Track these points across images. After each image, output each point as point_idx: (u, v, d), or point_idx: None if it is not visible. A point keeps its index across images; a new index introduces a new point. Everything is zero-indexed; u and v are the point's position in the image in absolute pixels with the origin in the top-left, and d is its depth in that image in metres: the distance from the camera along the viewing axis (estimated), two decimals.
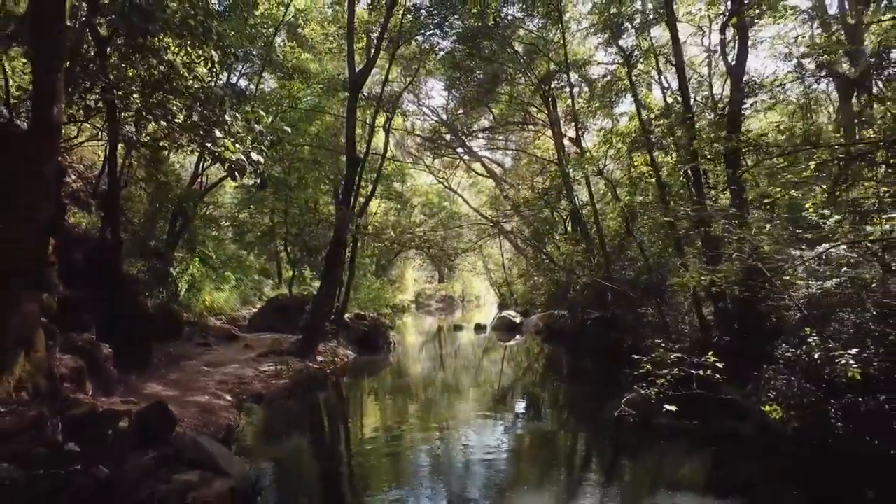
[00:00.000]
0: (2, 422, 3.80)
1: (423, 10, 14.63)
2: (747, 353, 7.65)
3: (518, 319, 23.80)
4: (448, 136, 23.48)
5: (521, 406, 10.28)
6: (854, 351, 5.68)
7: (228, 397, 8.92)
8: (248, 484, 4.91)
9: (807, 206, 6.20)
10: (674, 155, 12.17)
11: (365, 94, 17.02)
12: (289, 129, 9.47)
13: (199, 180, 16.86)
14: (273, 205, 19.01)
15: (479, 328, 23.90)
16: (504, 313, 25.40)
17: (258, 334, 15.41)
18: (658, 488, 5.85)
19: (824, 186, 6.32)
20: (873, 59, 10.00)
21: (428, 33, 15.85)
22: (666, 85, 19.01)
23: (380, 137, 18.25)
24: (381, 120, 17.73)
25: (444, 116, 23.19)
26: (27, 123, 6.76)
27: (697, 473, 6.27)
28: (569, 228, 18.87)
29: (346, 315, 16.50)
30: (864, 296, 6.31)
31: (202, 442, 5.11)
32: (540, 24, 16.77)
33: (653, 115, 13.35)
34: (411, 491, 5.90)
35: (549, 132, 19.17)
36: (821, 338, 6.08)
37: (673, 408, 5.89)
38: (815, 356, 6.00)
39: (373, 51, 13.63)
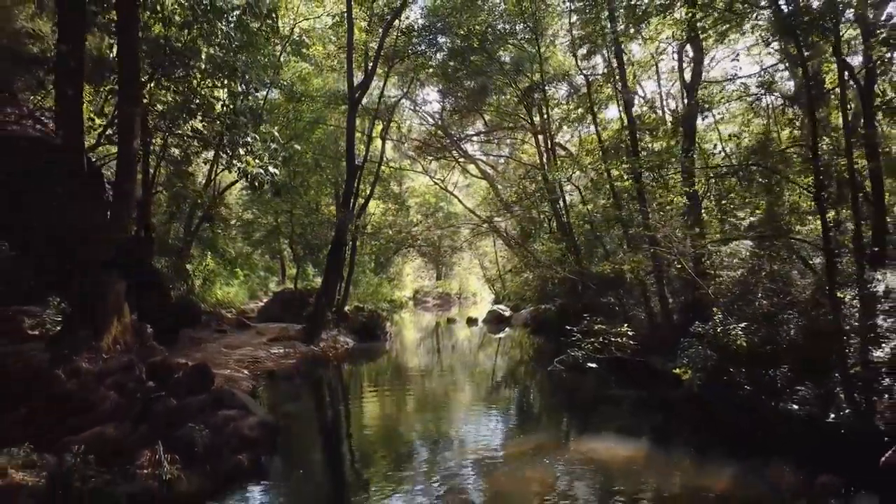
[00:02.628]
0: (108, 363, 5.41)
1: (415, 31, 16.20)
2: (679, 331, 9.26)
3: (508, 313, 25.31)
4: (445, 140, 24.98)
5: (493, 380, 11.87)
6: (743, 325, 7.26)
7: (246, 372, 10.53)
8: (271, 422, 6.51)
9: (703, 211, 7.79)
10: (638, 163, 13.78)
11: (364, 102, 18.57)
12: (298, 147, 11.05)
13: (211, 184, 18.45)
14: (278, 206, 20.56)
15: (472, 322, 25.39)
16: (494, 307, 26.88)
17: (267, 324, 16.97)
18: (596, 434, 7.47)
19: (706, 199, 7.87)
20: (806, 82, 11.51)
21: (421, 49, 17.42)
22: (642, 94, 20.67)
23: (378, 143, 19.82)
24: (378, 128, 19.29)
25: (440, 121, 24.68)
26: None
27: (625, 424, 7.88)
28: (553, 228, 20.42)
29: (347, 307, 18.10)
30: (758, 283, 7.88)
31: (236, 392, 6.73)
32: (524, 39, 18.33)
33: (622, 126, 14.90)
34: (394, 434, 7.54)
35: (534, 139, 20.76)
36: (723, 315, 7.66)
37: (594, 365, 7.50)
38: (718, 330, 7.58)
39: (370, 67, 15.20)
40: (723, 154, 13.46)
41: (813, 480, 5.46)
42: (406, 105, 23.91)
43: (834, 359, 6.96)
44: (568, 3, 15.54)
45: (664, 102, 19.07)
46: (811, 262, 9.25)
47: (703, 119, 13.95)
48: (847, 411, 6.09)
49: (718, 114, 15.70)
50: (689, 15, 8.83)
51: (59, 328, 6.30)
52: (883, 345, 7.40)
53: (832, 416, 6.14)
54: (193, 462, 5.14)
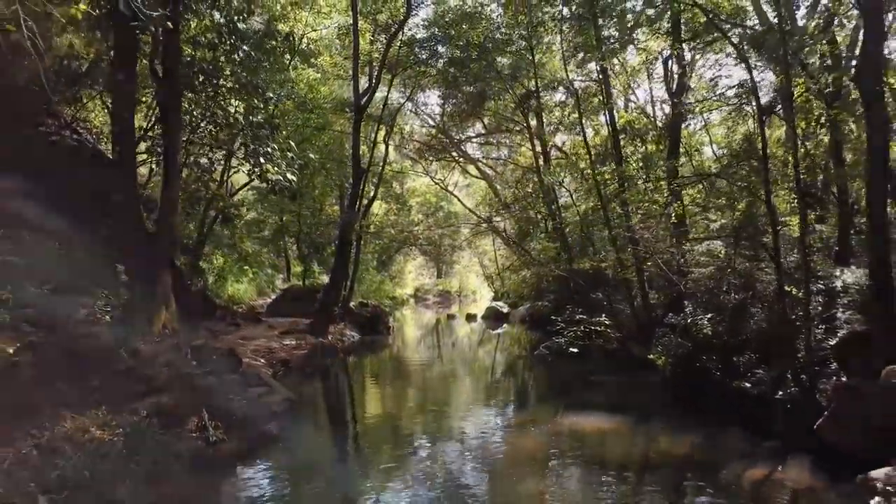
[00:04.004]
0: (160, 345, 6.36)
1: (417, 43, 17.17)
2: (658, 322, 10.20)
3: (506, 310, 26.20)
4: (445, 141, 25.89)
5: (489, 369, 12.85)
6: (708, 316, 8.18)
7: (262, 360, 11.47)
8: (294, 399, 7.47)
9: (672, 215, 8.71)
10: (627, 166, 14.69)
11: (368, 109, 19.47)
12: (313, 155, 11.97)
13: (224, 185, 19.36)
14: (285, 206, 21.42)
15: (471, 318, 26.32)
16: (493, 304, 27.78)
17: (276, 318, 17.93)
18: (581, 412, 8.40)
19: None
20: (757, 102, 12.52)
21: (422, 59, 18.35)
22: (635, 98, 21.57)
23: (381, 148, 20.75)
24: (382, 133, 20.21)
25: (441, 123, 25.55)
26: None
27: (608, 404, 8.81)
28: (549, 227, 21.33)
29: (351, 303, 19.05)
30: (723, 279, 8.81)
31: (262, 373, 7.69)
32: (520, 48, 19.25)
33: (609, 134, 15.80)
34: (398, 413, 8.51)
35: (530, 142, 21.67)
36: (693, 308, 8.59)
37: (576, 350, 8.44)
38: (688, 321, 8.51)
39: (374, 79, 16.13)
40: (713, 157, 14.36)
41: (760, 445, 6.42)
42: (408, 107, 24.81)
43: (787, 346, 7.90)
44: (561, 6, 16.47)
45: (656, 107, 20.03)
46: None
47: (693, 124, 14.92)
48: (793, 390, 7.02)
49: (707, 119, 16.67)
50: (668, 39, 9.76)
51: (107, 316, 7.24)
52: (839, 333, 8.36)
53: (780, 393, 7.07)
54: (232, 428, 6.09)
